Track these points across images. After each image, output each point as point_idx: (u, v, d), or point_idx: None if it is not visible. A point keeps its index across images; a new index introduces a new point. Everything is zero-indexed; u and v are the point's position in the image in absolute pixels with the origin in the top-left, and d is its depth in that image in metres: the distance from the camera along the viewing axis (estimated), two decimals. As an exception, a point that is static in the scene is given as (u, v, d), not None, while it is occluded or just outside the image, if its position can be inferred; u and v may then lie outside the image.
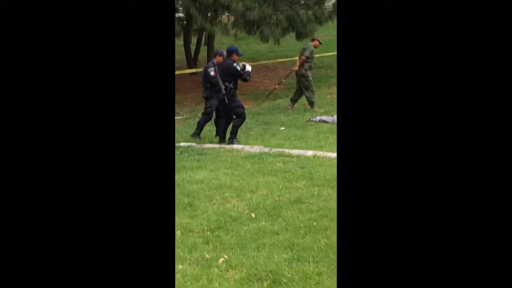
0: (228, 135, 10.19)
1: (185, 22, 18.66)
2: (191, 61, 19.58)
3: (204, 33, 19.43)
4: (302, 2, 17.69)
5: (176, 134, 11.03)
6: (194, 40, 20.18)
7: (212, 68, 10.30)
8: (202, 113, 10.79)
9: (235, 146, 9.73)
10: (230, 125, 10.17)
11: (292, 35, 18.52)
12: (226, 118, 10.19)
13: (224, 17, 18.96)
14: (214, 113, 10.58)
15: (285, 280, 4.33)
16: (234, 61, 10.13)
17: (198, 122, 10.74)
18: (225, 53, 10.60)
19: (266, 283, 4.30)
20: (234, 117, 10.09)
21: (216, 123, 10.45)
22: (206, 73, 10.51)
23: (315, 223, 5.52)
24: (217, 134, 10.23)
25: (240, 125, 10.04)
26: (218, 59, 10.60)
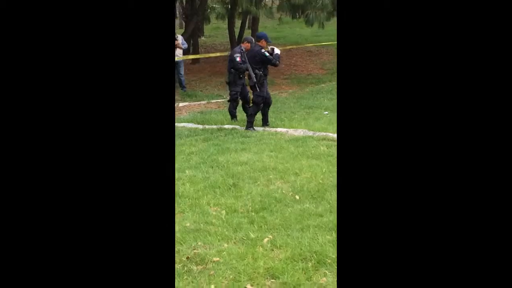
0: (258, 122, 10.14)
1: (229, 5, 18.68)
2: (235, 44, 19.55)
3: (248, 16, 19.38)
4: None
5: (221, 116, 11.09)
6: (238, 23, 20.14)
7: (239, 54, 10.18)
8: (228, 100, 10.72)
9: (280, 129, 9.73)
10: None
11: (335, 19, 18.33)
12: (265, 104, 10.10)
13: (269, 1, 18.89)
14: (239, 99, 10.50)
15: (329, 261, 4.35)
16: (263, 48, 9.97)
17: (229, 111, 10.68)
18: (254, 39, 10.48)
19: (310, 264, 4.33)
20: (251, 104, 10.07)
21: (244, 108, 10.41)
22: (232, 58, 10.36)
23: (359, 206, 5.50)
24: (250, 120, 10.08)
25: (255, 113, 9.99)
26: (246, 45, 10.37)
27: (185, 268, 4.35)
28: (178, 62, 15.27)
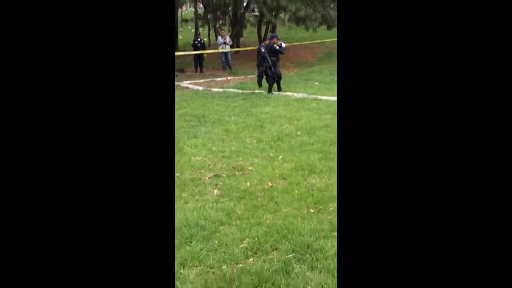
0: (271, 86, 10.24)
1: (258, 18, 19.01)
2: (261, 41, 19.63)
3: (269, 25, 19.34)
4: (332, 5, 17.33)
5: (252, 85, 11.09)
6: (263, 28, 19.98)
7: (263, 47, 10.42)
8: (257, 75, 10.95)
9: (288, 93, 9.71)
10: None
11: (324, 27, 18.36)
12: (278, 78, 10.22)
13: (283, 15, 19.06)
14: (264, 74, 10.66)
15: (317, 171, 4.42)
16: (275, 43, 10.31)
17: (257, 82, 10.84)
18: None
19: (306, 172, 4.41)
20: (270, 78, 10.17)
21: (266, 80, 10.46)
22: (258, 50, 10.63)
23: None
24: (270, 87, 10.20)
25: (272, 84, 10.03)
26: (267, 41, 10.73)
27: (231, 172, 4.46)
28: (226, 53, 15.47)
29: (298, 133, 6.08)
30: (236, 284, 2.35)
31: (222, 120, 7.10)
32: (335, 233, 3.00)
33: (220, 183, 4.16)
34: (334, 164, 4.65)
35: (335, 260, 2.58)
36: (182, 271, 2.53)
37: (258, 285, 2.34)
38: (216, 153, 5.17)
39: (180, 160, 4.86)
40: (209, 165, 4.70)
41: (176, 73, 13.62)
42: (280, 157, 4.93)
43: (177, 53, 14.96)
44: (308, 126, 6.42)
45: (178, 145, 5.49)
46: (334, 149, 5.19)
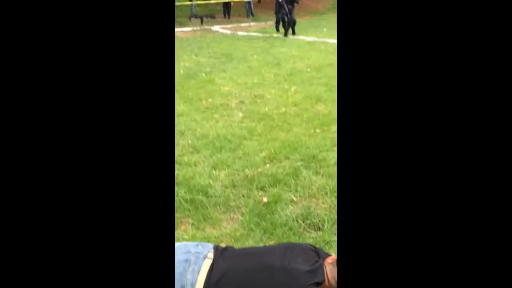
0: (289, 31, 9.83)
1: None
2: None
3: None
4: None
5: (271, 30, 10.66)
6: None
7: None
8: (275, 22, 10.36)
9: (301, 37, 9.35)
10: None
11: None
12: (292, 23, 9.80)
13: None
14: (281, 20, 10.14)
15: (323, 100, 4.36)
16: None
17: (276, 27, 10.34)
18: None
19: (314, 100, 4.35)
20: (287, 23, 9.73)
21: (283, 25, 9.99)
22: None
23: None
24: (286, 31, 9.80)
25: (288, 29, 9.61)
26: None
27: (253, 100, 4.43)
28: (250, 2, 14.78)
29: (308, 70, 5.92)
30: (256, 183, 2.42)
31: (246, 58, 6.93)
32: (335, 148, 3.03)
33: (244, 108, 4.15)
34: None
35: (335, 168, 2.62)
36: (214, 172, 2.61)
37: (273, 185, 2.41)
38: (241, 84, 5.12)
39: (212, 89, 4.84)
40: (235, 94, 4.67)
41: (208, 18, 13.11)
42: (293, 88, 4.86)
43: (209, 1, 14.34)
44: (316, 64, 6.23)
45: (210, 77, 5.44)
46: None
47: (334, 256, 1.52)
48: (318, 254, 1.54)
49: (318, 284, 1.37)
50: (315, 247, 1.58)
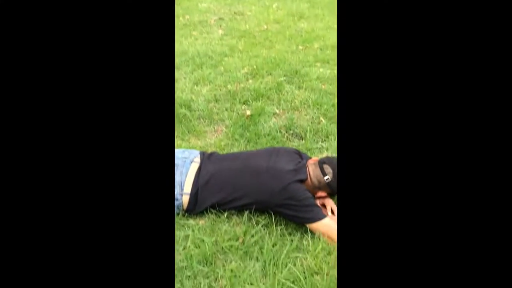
0: None
1: None
2: None
3: None
4: None
5: None
6: None
7: None
8: None
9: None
10: None
11: None
12: None
13: None
14: None
15: (306, 17, 4.23)
16: None
17: None
18: None
19: (296, 17, 4.22)
20: None
21: None
22: None
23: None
24: None
25: None
26: None
27: (233, 17, 4.26)
28: None
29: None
30: (239, 97, 2.43)
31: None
32: (319, 63, 3.02)
33: (224, 25, 4.00)
34: (320, 11, 4.44)
35: (318, 82, 2.64)
36: (196, 87, 2.59)
37: (256, 98, 2.42)
38: (219, 0, 4.87)
39: (188, 5, 4.59)
40: (213, 10, 4.46)
41: None
42: (275, 5, 4.67)
43: None
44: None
45: (186, -8, 5.13)
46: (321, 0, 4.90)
47: (316, 158, 1.61)
48: (301, 156, 1.62)
49: (301, 181, 1.47)
50: (298, 151, 1.66)
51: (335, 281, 1.20)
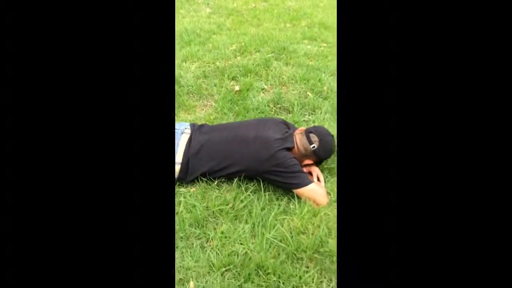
0: None
1: None
2: None
3: None
4: None
5: None
6: None
7: None
8: None
9: None
10: None
11: None
12: None
13: None
14: None
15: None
16: None
17: None
18: None
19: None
20: None
21: None
22: None
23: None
24: None
25: None
26: None
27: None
28: None
29: None
30: (227, 73, 2.47)
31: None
32: (306, 41, 3.06)
33: (211, 3, 3.99)
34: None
35: (305, 58, 2.69)
36: (184, 64, 2.62)
37: (245, 74, 2.46)
38: (206, -21, 4.82)
39: (175, -17, 4.55)
40: (201, -11, 4.43)
41: None
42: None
43: None
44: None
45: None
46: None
47: (303, 127, 1.67)
48: (288, 126, 1.69)
49: (289, 149, 1.54)
50: (285, 121, 1.72)
51: (320, 239, 1.28)
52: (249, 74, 2.47)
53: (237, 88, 2.30)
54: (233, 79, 2.43)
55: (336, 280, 1.15)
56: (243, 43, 2.93)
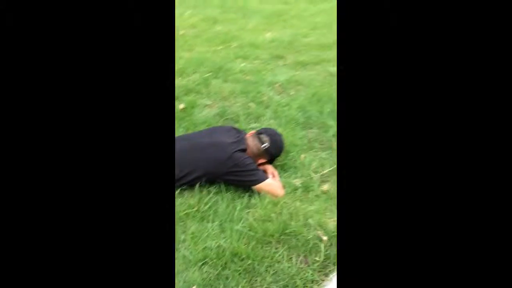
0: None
1: None
2: None
3: None
4: None
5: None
6: None
7: None
8: None
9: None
10: None
11: None
12: None
13: None
14: None
15: (220, 21, 4.45)
16: None
17: None
18: None
19: (210, 22, 4.43)
20: None
21: None
22: None
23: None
24: None
25: None
26: None
27: None
28: None
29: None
30: (170, 94, 2.56)
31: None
32: (239, 59, 3.27)
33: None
34: (233, 15, 4.73)
35: (241, 75, 2.88)
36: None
37: (187, 93, 2.58)
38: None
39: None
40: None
41: None
42: (187, 12, 4.85)
43: None
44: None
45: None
46: (232, 3, 5.19)
47: (253, 131, 1.82)
48: (239, 131, 1.83)
49: (243, 150, 1.67)
50: (235, 127, 1.87)
51: (284, 223, 1.42)
52: (190, 93, 2.59)
53: (181, 106, 2.40)
54: (176, 99, 2.53)
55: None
56: (180, 66, 3.05)
